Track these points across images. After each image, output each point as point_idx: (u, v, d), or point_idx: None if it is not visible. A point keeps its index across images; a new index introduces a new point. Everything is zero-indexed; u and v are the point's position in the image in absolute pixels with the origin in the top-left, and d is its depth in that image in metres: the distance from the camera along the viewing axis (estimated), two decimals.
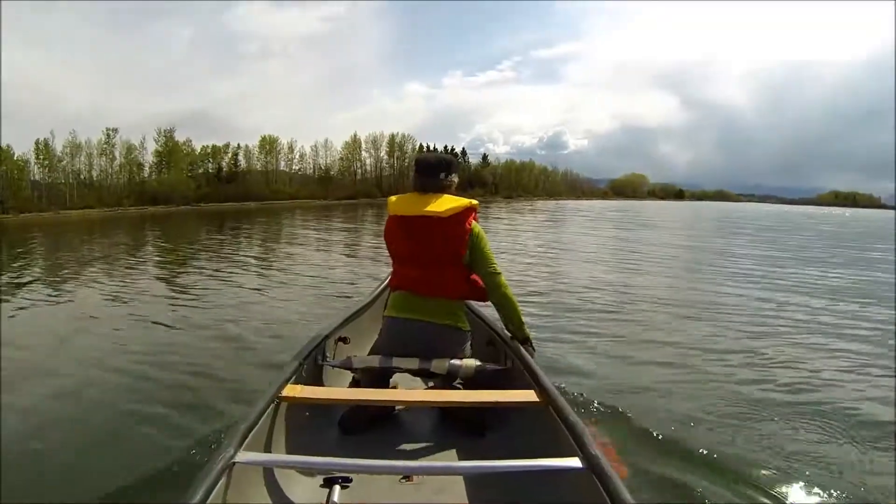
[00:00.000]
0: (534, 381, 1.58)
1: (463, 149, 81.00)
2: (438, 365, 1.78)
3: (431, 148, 67.77)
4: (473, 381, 1.79)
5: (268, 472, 1.34)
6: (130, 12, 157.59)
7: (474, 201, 1.88)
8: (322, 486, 1.15)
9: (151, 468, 2.06)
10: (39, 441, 2.40)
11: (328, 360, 1.94)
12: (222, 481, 1.10)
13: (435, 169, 1.91)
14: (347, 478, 1.15)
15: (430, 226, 1.82)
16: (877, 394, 3.08)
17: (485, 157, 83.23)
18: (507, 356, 1.92)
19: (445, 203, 1.83)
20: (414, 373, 1.86)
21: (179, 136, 55.00)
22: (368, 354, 1.90)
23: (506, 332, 1.96)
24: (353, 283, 6.71)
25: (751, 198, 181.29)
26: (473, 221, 1.88)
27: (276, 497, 1.30)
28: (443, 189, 1.91)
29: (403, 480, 1.39)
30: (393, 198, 1.94)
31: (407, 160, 65.99)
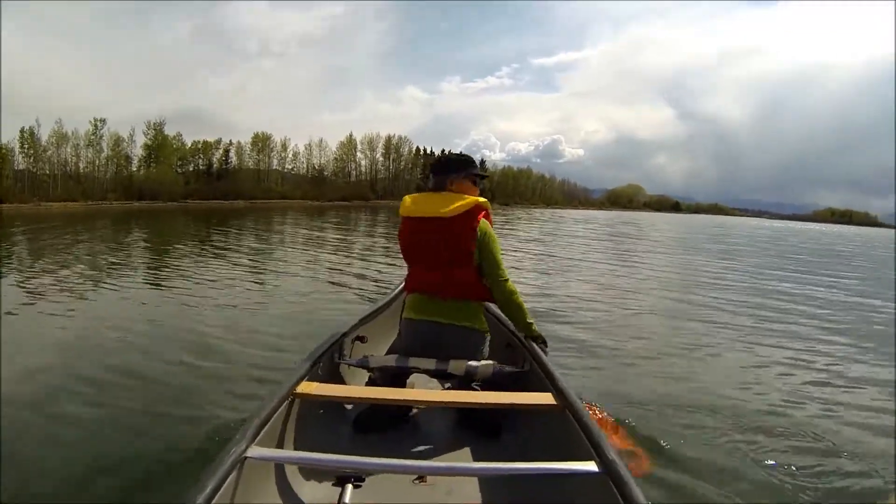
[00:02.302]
0: (551, 384, 1.57)
1: (460, 153, 79.82)
2: (456, 366, 1.75)
3: (429, 151, 66.66)
4: (490, 382, 1.76)
5: (279, 468, 1.32)
6: (126, 3, 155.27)
7: (482, 199, 1.82)
8: (334, 484, 1.15)
9: (160, 461, 1.98)
10: (39, 434, 2.26)
11: (345, 358, 1.90)
12: (233, 476, 1.06)
13: (443, 168, 1.91)
14: (360, 477, 1.15)
15: (438, 227, 1.79)
16: None
17: (482, 163, 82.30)
18: (524, 359, 1.90)
19: (452, 202, 1.79)
20: (431, 373, 1.81)
21: (170, 131, 53.02)
22: (386, 354, 1.87)
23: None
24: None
25: (745, 212, 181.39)
26: (483, 220, 1.81)
27: (287, 494, 1.28)
28: (450, 188, 1.88)
29: (417, 481, 1.35)
30: (407, 198, 1.88)
31: (403, 163, 64.57)
